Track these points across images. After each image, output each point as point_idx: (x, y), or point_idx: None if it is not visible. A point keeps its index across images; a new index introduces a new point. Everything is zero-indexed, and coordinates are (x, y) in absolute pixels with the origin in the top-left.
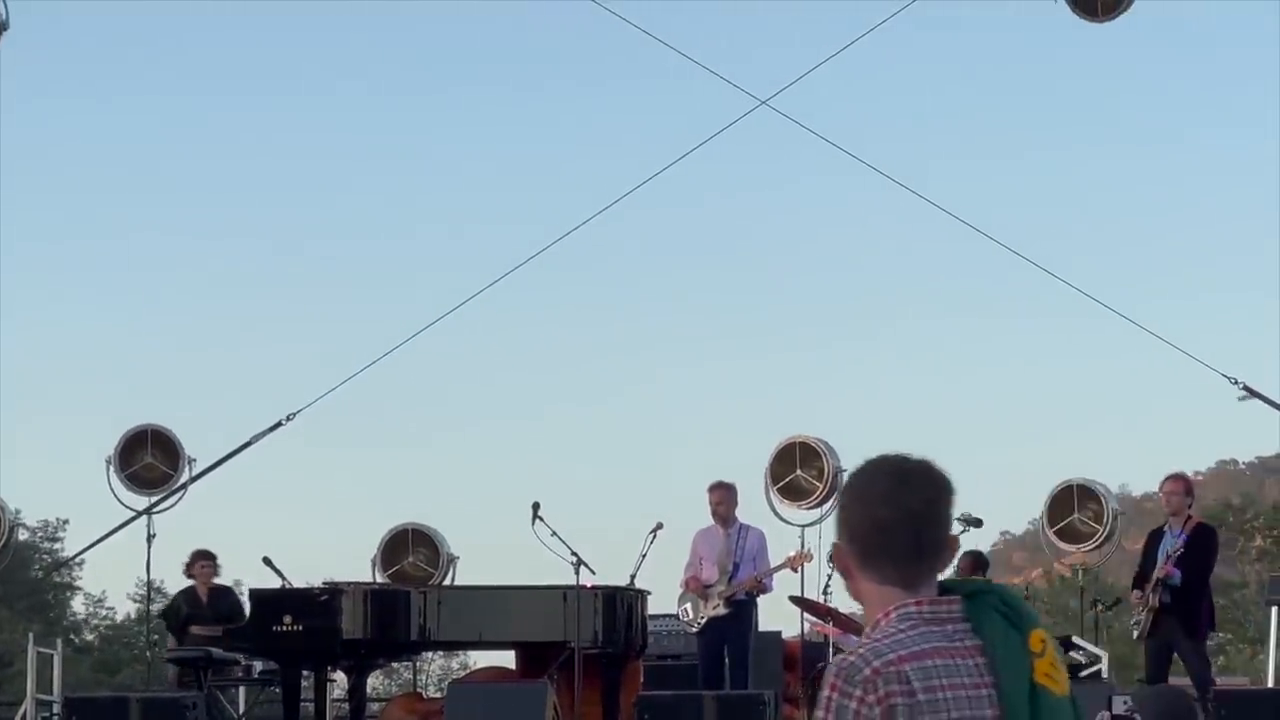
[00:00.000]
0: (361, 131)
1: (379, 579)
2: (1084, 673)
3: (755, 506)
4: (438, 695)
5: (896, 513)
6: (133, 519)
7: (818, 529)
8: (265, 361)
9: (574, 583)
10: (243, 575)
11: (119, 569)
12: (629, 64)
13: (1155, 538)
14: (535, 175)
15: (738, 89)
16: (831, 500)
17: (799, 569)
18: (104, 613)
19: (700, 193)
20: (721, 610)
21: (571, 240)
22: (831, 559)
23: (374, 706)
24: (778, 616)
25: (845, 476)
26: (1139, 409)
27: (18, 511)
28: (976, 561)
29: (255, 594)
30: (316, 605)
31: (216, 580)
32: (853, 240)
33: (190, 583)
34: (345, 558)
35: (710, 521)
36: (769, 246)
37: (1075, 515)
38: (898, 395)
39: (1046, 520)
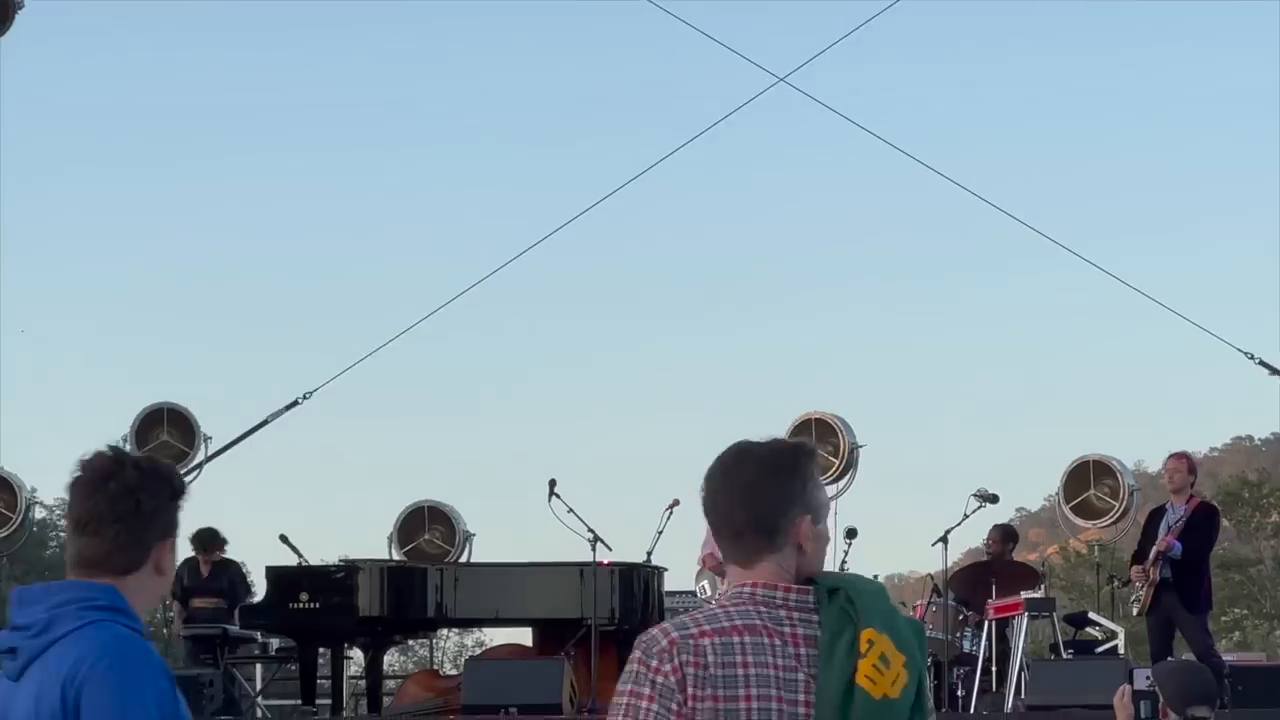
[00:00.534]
0: (378, 109)
1: (395, 556)
2: (1100, 648)
3: None
4: (454, 673)
5: (719, 492)
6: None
7: (834, 505)
8: (281, 340)
9: (591, 560)
10: (260, 553)
11: None
12: (648, 41)
13: (1156, 516)
14: (554, 152)
15: (756, 66)
16: (849, 476)
17: None
18: None
19: (718, 169)
20: None
21: (588, 218)
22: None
23: (390, 684)
24: None
25: (861, 452)
26: (1156, 385)
27: (33, 490)
28: (1006, 534)
29: (272, 571)
30: (333, 583)
31: (223, 557)
32: (870, 216)
33: (192, 553)
34: (361, 535)
35: None
36: (786, 223)
37: (1091, 491)
38: (915, 372)
39: (1063, 496)
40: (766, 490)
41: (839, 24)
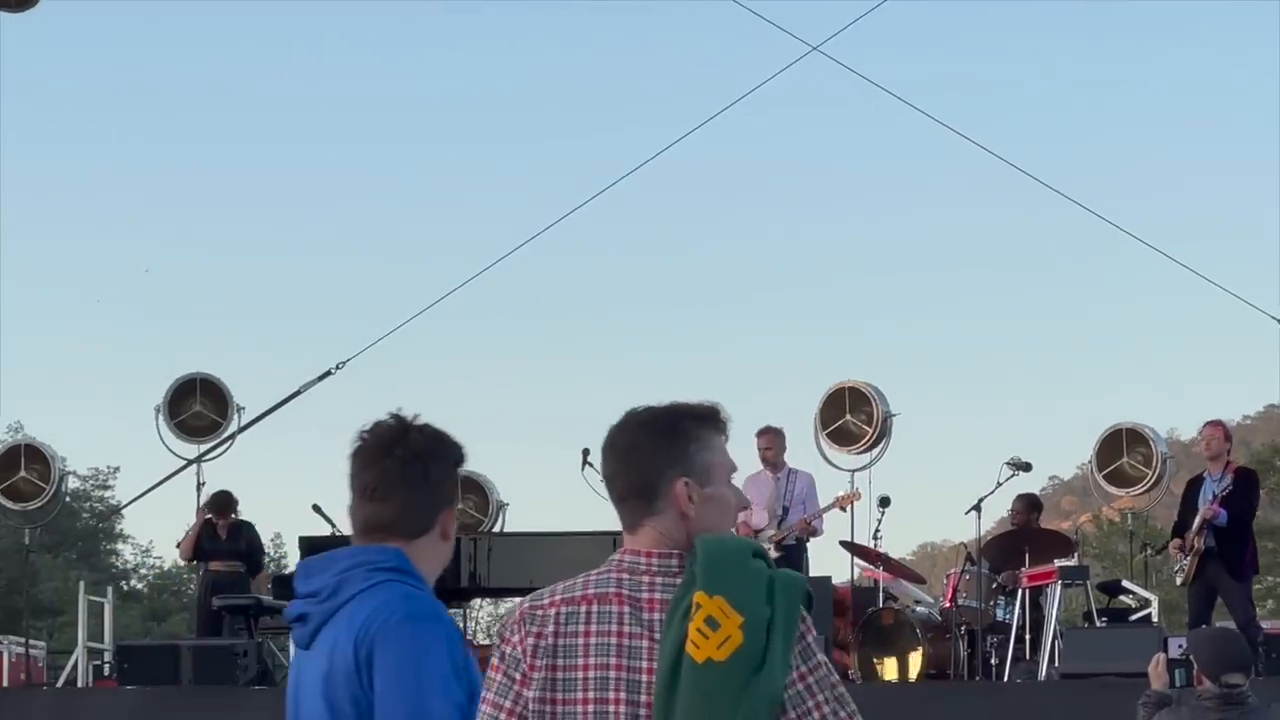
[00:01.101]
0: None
1: None
2: (1134, 616)
3: (805, 452)
4: (488, 642)
5: (606, 459)
6: (183, 468)
7: (868, 474)
8: (314, 310)
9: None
10: (293, 523)
11: (167, 517)
12: (681, 10)
13: (1194, 485)
14: (589, 122)
15: (788, 34)
16: (882, 444)
17: (848, 509)
18: (152, 561)
19: (752, 138)
20: (772, 555)
21: (618, 190)
22: None
23: None
24: (828, 562)
25: (894, 421)
26: (1188, 354)
27: (64, 460)
28: (1030, 504)
29: (306, 541)
30: None
31: (237, 517)
32: (904, 186)
33: (209, 515)
34: None
35: (759, 466)
36: (820, 193)
37: (1125, 459)
38: (949, 341)
39: (1096, 464)
40: (642, 453)
41: None
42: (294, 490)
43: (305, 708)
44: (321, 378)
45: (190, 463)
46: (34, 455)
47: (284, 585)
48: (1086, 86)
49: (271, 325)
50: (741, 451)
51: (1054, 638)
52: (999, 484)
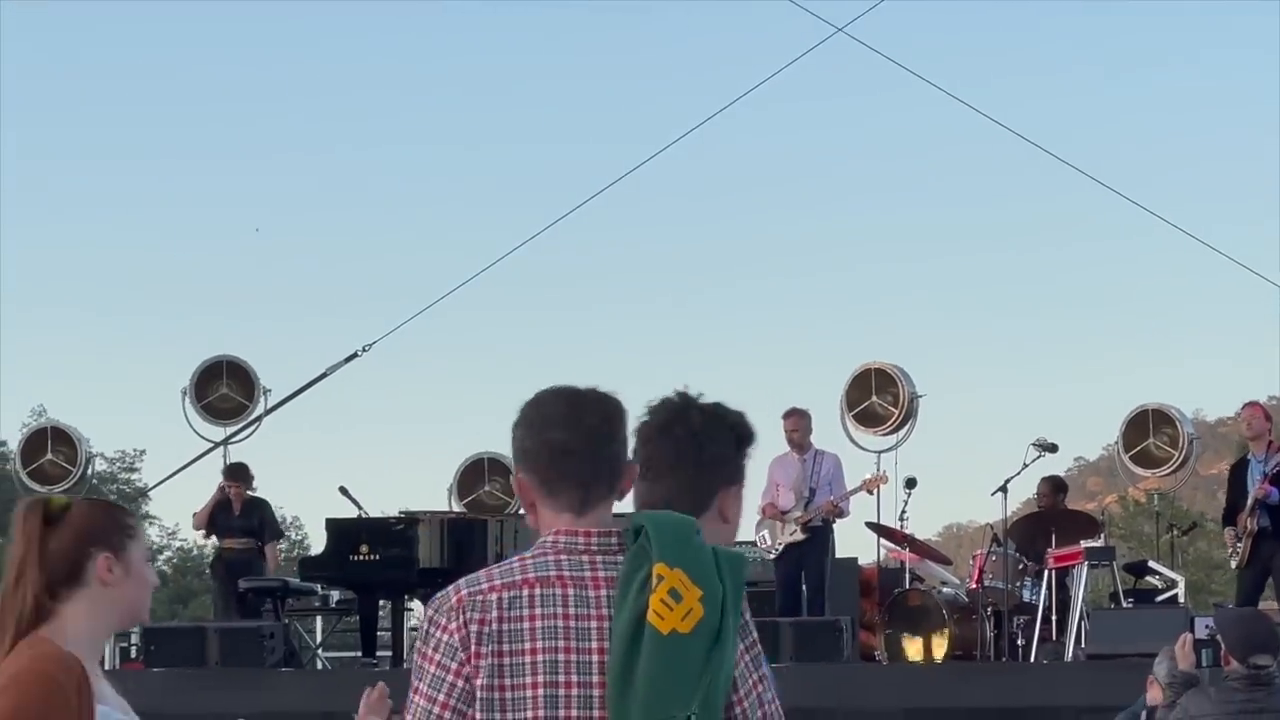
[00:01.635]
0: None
1: (455, 508)
2: (1160, 597)
3: (831, 433)
4: None
5: (574, 434)
6: (209, 450)
7: (894, 455)
8: (341, 293)
9: None
10: (319, 505)
11: (194, 500)
12: None
13: (1239, 469)
14: (614, 104)
15: (814, 16)
16: (908, 426)
17: (875, 491)
18: (178, 543)
19: (777, 120)
20: (798, 536)
21: (646, 170)
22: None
23: None
24: (854, 543)
25: (920, 402)
26: (1214, 334)
27: (90, 443)
28: (1055, 485)
29: (332, 523)
30: (393, 534)
31: (251, 493)
32: (930, 167)
33: (221, 493)
34: (421, 487)
35: (785, 448)
36: (845, 174)
37: (1151, 440)
38: (975, 322)
39: (1122, 445)
40: (617, 430)
41: None
42: (321, 472)
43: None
44: (348, 360)
45: (217, 445)
46: (61, 438)
47: (310, 567)
48: (1115, 67)
49: (298, 308)
50: (768, 433)
51: (1080, 618)
52: (1025, 465)
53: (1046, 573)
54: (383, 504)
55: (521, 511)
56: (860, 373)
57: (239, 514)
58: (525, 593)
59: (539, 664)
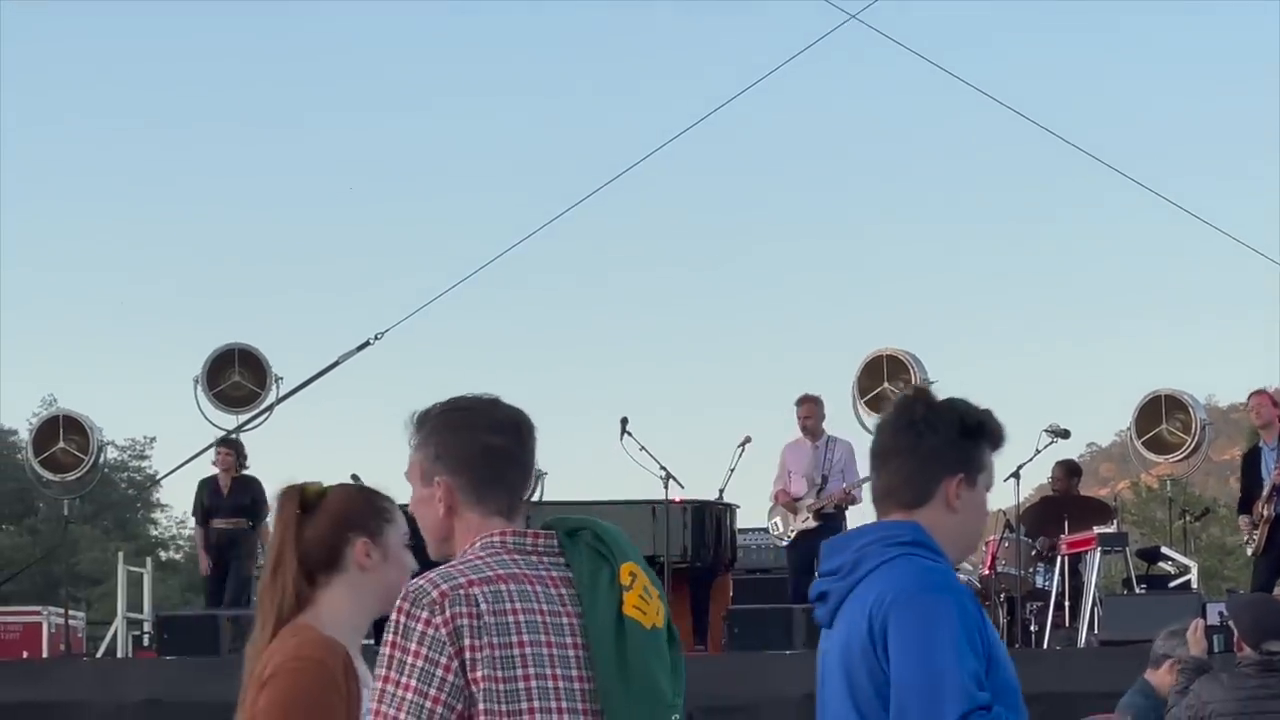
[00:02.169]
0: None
1: None
2: (1173, 583)
3: (843, 420)
4: None
5: (508, 439)
6: (222, 438)
7: None
8: (353, 281)
9: (663, 497)
10: None
11: None
12: None
13: (1252, 457)
14: (624, 90)
15: (826, 2)
16: None
17: None
18: (188, 531)
19: (789, 108)
20: (811, 523)
21: (658, 158)
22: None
23: None
24: None
25: (935, 389)
26: (1227, 319)
27: (102, 431)
28: (1070, 470)
29: None
30: (405, 522)
31: (244, 471)
32: (942, 153)
33: (214, 472)
34: None
35: (798, 435)
36: (857, 161)
37: (1164, 426)
38: (984, 308)
39: (1135, 431)
40: (534, 441)
41: None
42: (333, 461)
43: (828, 686)
44: (360, 348)
45: (229, 433)
46: (72, 426)
47: None
48: (1131, 54)
49: (310, 296)
50: (781, 420)
51: (1093, 604)
52: (1038, 451)
53: (1059, 559)
54: (394, 492)
55: (536, 499)
56: (872, 359)
57: (228, 494)
58: (503, 588)
59: (528, 656)
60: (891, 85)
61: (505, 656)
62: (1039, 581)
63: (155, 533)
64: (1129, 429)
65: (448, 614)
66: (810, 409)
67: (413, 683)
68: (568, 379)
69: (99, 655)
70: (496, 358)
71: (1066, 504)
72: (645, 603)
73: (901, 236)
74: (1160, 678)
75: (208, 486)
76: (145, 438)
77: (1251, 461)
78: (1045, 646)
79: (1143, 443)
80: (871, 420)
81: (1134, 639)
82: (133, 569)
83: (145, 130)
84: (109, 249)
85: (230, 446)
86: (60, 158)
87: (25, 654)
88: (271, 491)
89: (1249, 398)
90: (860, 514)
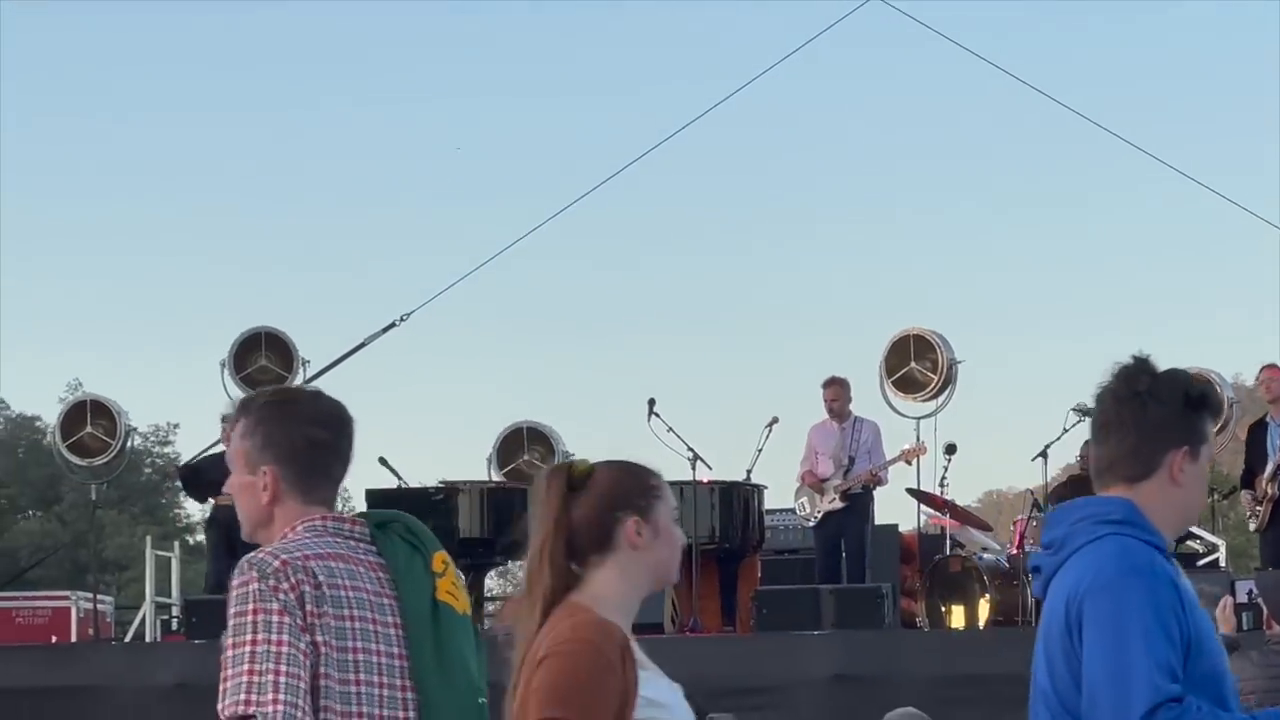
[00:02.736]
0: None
1: (494, 478)
2: (1201, 561)
3: (870, 400)
4: None
5: (330, 432)
6: (225, 415)
7: (933, 421)
8: (378, 262)
9: (690, 478)
10: (358, 475)
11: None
12: None
13: (1257, 430)
14: (641, 72)
15: None
16: (947, 392)
17: (913, 462)
18: None
19: (811, 90)
20: (838, 504)
21: (682, 139)
22: (265, 486)
23: (491, 606)
24: (895, 510)
25: (959, 368)
26: (1253, 296)
27: (129, 415)
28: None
29: (371, 493)
30: (432, 504)
31: None
32: (964, 131)
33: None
34: (460, 457)
35: (825, 416)
36: (878, 141)
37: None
38: (1013, 288)
39: (885, 370)
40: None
41: None
42: (360, 443)
43: (1036, 660)
44: (386, 330)
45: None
46: (99, 411)
47: None
48: (1160, 33)
49: (335, 277)
50: (807, 402)
51: None
52: (1065, 430)
53: None
54: (422, 474)
55: None
56: (899, 339)
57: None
58: (334, 565)
59: (356, 630)
60: (913, 63)
61: (339, 627)
62: None
63: (185, 517)
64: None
65: (293, 579)
66: (836, 390)
67: (285, 638)
68: (594, 360)
69: (127, 639)
70: (522, 339)
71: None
72: (456, 589)
73: (929, 217)
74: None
75: (213, 460)
76: (169, 424)
77: (1257, 436)
78: None
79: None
80: (900, 401)
81: None
82: (160, 553)
83: (170, 114)
84: (133, 232)
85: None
86: (86, 141)
87: (54, 638)
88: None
89: (1260, 371)
90: (888, 493)
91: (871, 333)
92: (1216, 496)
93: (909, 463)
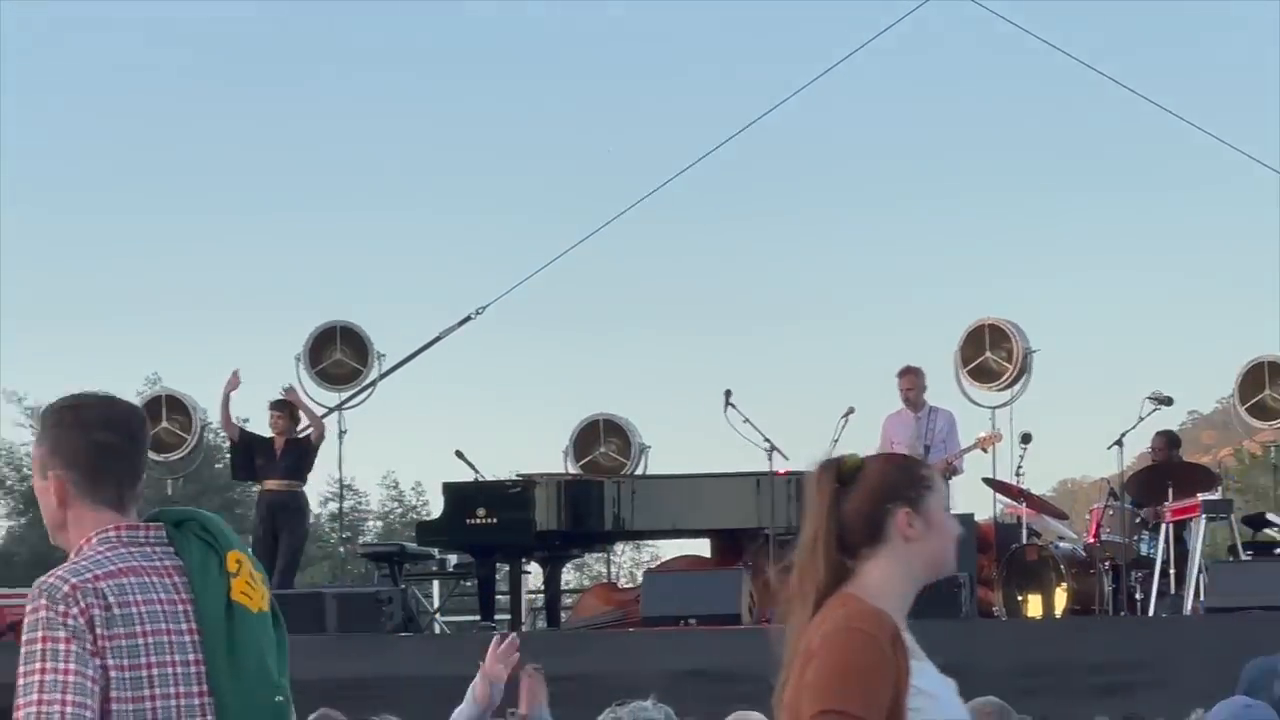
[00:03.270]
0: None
1: (571, 470)
2: (1279, 550)
3: (946, 390)
4: (630, 585)
5: (118, 436)
6: (324, 416)
7: (1008, 411)
8: (455, 255)
9: (767, 469)
10: (436, 469)
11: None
12: None
13: None
14: (699, 76)
15: None
16: (1022, 381)
17: (989, 449)
18: None
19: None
20: None
21: (752, 135)
22: (53, 491)
23: (568, 599)
24: (971, 499)
25: (1034, 357)
26: None
27: (204, 411)
28: (1170, 440)
29: (449, 487)
30: (510, 497)
31: (298, 434)
32: (1038, 121)
33: (268, 433)
34: (537, 450)
35: (900, 406)
36: (951, 133)
37: (1267, 392)
38: (1088, 275)
39: (1238, 398)
40: (148, 437)
41: None
42: (436, 436)
43: None
44: (462, 323)
45: (331, 411)
46: (175, 406)
47: (428, 532)
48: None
49: (411, 271)
50: (884, 392)
51: (1198, 572)
52: (1140, 419)
53: (1164, 526)
54: (499, 467)
55: (640, 472)
56: (974, 329)
57: (281, 455)
58: (125, 581)
59: (149, 645)
60: (983, 54)
61: (130, 646)
62: (1143, 549)
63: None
64: (1232, 395)
65: (82, 604)
66: (912, 380)
67: (71, 666)
68: (670, 352)
69: None
70: (599, 329)
71: (1170, 471)
72: (251, 588)
73: (1001, 205)
74: None
75: (260, 442)
76: (239, 418)
77: None
78: (1151, 614)
79: (1246, 409)
80: (975, 390)
81: (1240, 605)
82: None
83: (242, 104)
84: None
85: (282, 409)
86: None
87: None
88: (394, 480)
89: None
90: (964, 482)
91: (947, 322)
92: None
93: (984, 451)
